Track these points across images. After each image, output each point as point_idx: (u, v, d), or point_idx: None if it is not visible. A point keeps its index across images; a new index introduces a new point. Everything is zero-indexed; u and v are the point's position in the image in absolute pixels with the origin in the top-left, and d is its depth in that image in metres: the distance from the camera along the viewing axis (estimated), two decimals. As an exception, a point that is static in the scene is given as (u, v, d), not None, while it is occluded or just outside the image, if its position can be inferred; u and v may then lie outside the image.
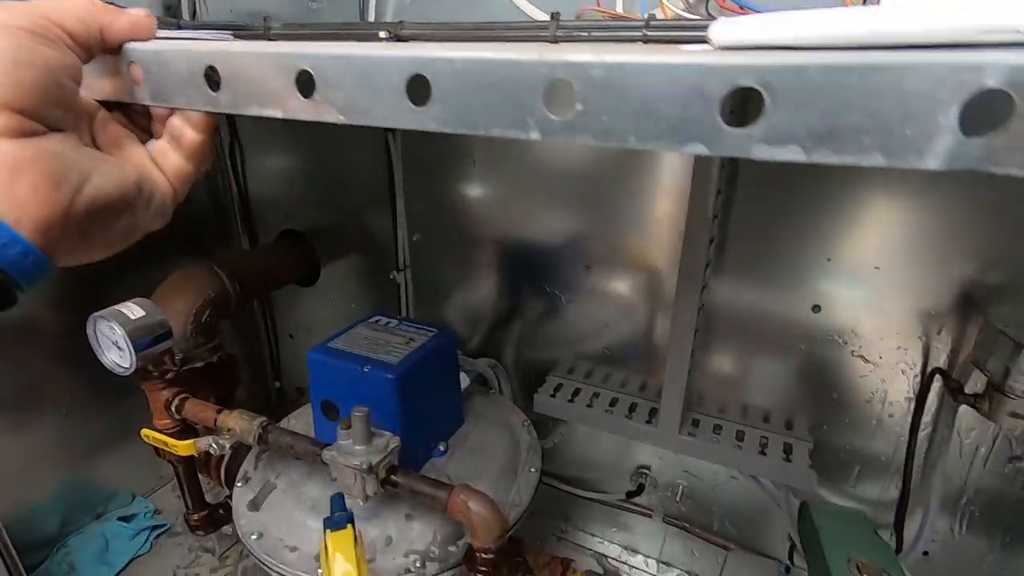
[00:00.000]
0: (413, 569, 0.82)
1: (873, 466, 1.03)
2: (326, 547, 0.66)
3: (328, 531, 0.66)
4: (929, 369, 0.90)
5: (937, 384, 0.90)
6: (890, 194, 0.87)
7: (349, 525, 0.67)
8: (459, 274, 1.31)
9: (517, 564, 0.96)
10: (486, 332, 1.33)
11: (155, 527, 1.36)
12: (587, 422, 1.18)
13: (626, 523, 1.36)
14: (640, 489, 1.25)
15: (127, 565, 1.28)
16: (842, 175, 0.88)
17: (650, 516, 1.27)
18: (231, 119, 1.46)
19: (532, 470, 1.03)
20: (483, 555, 0.75)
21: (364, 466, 0.77)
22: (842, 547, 0.71)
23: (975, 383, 0.82)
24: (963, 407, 0.90)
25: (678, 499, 1.23)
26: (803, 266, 0.96)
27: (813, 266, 0.95)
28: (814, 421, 1.05)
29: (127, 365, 0.90)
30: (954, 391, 0.82)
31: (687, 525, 1.25)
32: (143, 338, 0.90)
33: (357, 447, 0.80)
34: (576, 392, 1.21)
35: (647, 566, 1.34)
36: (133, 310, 0.91)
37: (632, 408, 1.15)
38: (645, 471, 1.27)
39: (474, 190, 1.21)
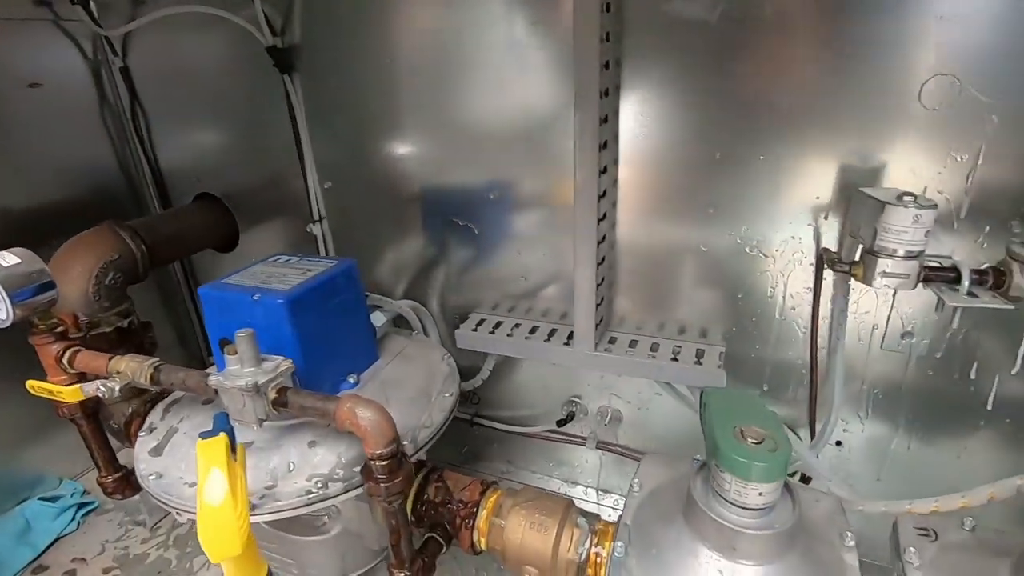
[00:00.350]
0: (315, 490, 0.81)
1: (783, 363, 1.04)
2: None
3: (200, 440, 0.65)
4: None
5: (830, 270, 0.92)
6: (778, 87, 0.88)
7: (223, 434, 0.66)
8: (376, 220, 1.29)
9: (428, 476, 0.95)
10: (410, 277, 1.32)
11: (82, 505, 1.31)
12: (508, 351, 1.18)
13: (565, 457, 1.37)
14: (571, 417, 1.26)
15: (51, 544, 1.24)
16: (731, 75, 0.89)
17: (583, 444, 1.28)
18: (130, 83, 1.41)
19: (447, 395, 1.02)
20: (377, 462, 0.74)
21: (250, 386, 0.75)
22: (730, 419, 0.72)
23: (853, 254, 0.84)
24: (857, 293, 0.93)
25: (606, 423, 1.23)
26: (697, 167, 0.96)
27: (706, 166, 0.96)
28: (726, 326, 1.07)
29: (3, 317, 0.86)
30: (832, 261, 0.84)
31: (620, 448, 1.26)
32: (21, 288, 0.86)
33: (245, 369, 0.78)
34: (498, 325, 1.20)
35: (587, 495, 1.35)
36: (6, 258, 0.87)
37: (551, 334, 1.16)
38: (575, 399, 1.27)
39: (382, 134, 1.19)
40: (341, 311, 0.96)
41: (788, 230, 0.95)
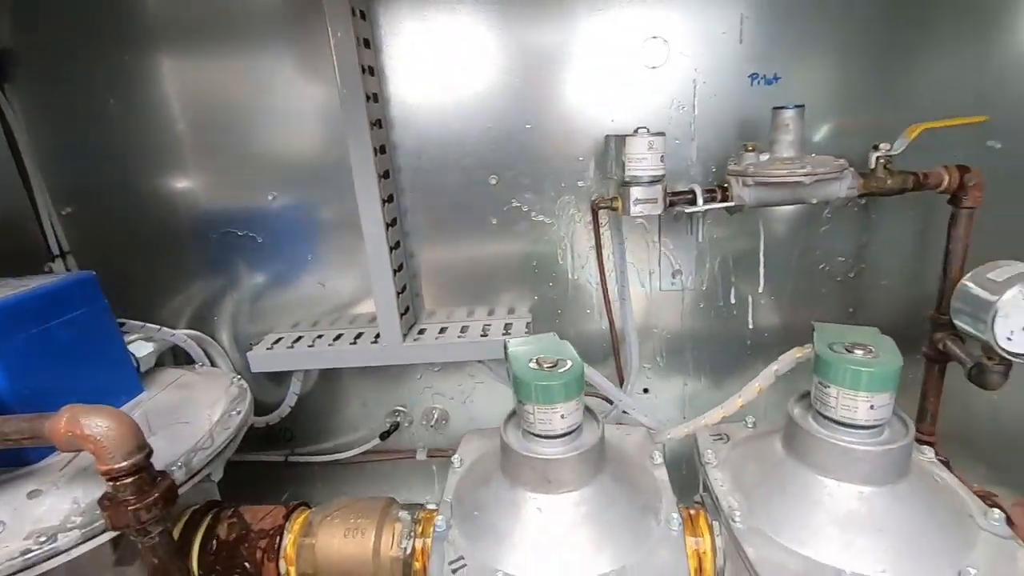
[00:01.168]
0: (36, 548, 0.61)
1: (586, 320, 1.09)
2: None
3: None
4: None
5: (605, 219, 1.00)
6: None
7: None
8: (142, 248, 1.10)
9: (219, 514, 0.79)
10: (194, 308, 1.14)
11: None
12: (310, 363, 1.07)
13: (400, 476, 1.26)
14: (395, 427, 1.17)
15: None
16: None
17: (414, 457, 1.19)
18: None
19: (235, 414, 0.87)
20: (119, 481, 0.59)
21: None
22: (528, 356, 0.72)
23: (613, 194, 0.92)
24: (632, 243, 1.02)
25: (433, 423, 1.17)
26: (469, 135, 1.00)
27: (479, 134, 0.99)
28: (530, 298, 1.09)
29: None
30: (597, 203, 0.91)
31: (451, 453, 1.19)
32: None
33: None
34: (298, 340, 1.09)
35: (427, 514, 1.25)
36: None
37: (358, 337, 1.08)
38: (399, 409, 1.19)
39: (144, 152, 1.04)
40: (75, 332, 0.78)
41: (563, 191, 1.01)
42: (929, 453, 0.78)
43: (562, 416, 0.68)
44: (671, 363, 1.11)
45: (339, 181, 0.99)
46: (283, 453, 1.21)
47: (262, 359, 1.05)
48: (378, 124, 0.95)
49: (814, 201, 0.82)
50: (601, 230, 1.00)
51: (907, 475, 0.67)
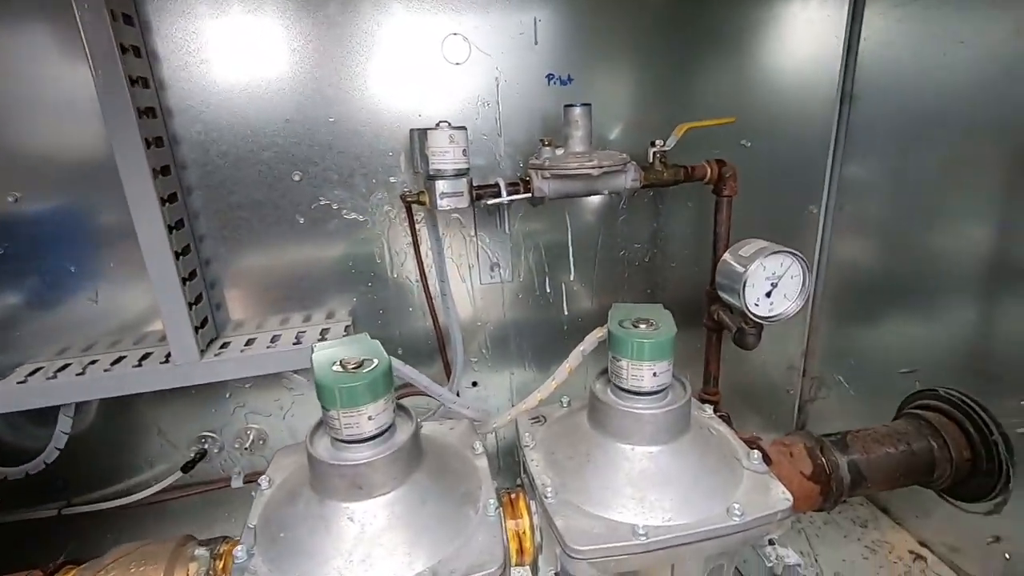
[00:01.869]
0: None
1: (410, 319, 1.07)
2: None
3: None
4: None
5: (421, 215, 0.98)
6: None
7: None
8: None
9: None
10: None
11: None
12: (78, 395, 0.90)
13: (212, 508, 1.12)
14: (201, 455, 1.04)
15: None
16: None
17: (228, 486, 1.07)
18: None
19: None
20: None
21: None
22: (331, 360, 0.68)
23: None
24: (449, 238, 1.02)
25: (247, 446, 1.06)
26: (268, 127, 0.92)
27: (278, 126, 0.92)
28: (348, 300, 1.04)
29: None
30: (405, 198, 0.90)
31: (274, 473, 1.09)
32: None
33: None
34: (63, 368, 0.91)
35: (250, 546, 1.13)
36: None
37: (145, 358, 0.93)
38: (207, 435, 1.06)
39: None
40: None
41: (375, 187, 0.98)
42: (709, 410, 0.89)
43: (370, 418, 0.65)
44: (497, 354, 1.14)
45: (111, 180, 0.85)
46: (56, 506, 1.01)
47: (9, 396, 0.86)
48: (150, 113, 0.83)
49: (606, 192, 0.90)
50: (417, 226, 0.99)
51: (688, 431, 0.75)
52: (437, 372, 1.09)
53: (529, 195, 0.87)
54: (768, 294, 0.81)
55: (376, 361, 0.67)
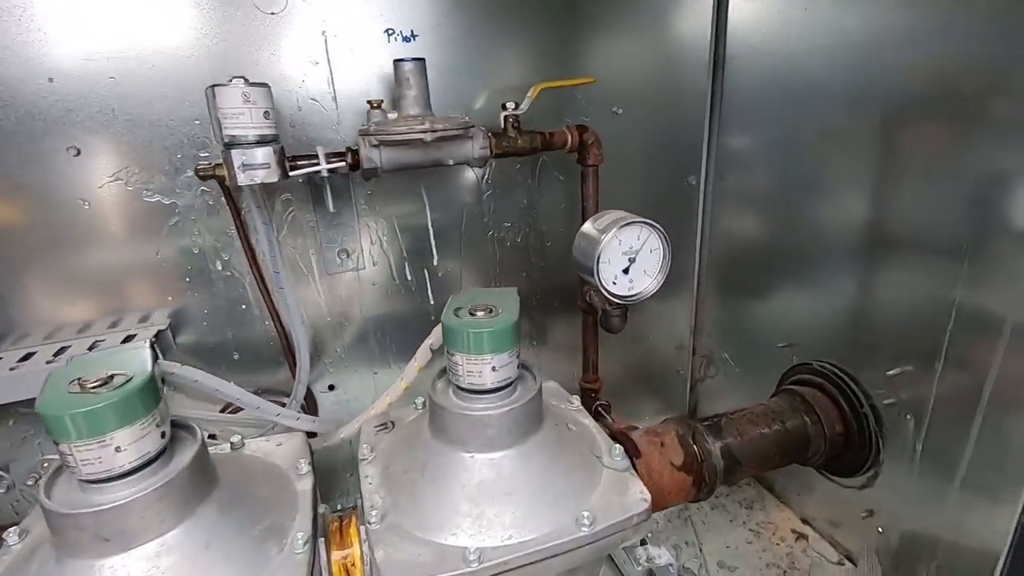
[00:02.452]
0: None
1: (243, 319, 0.92)
2: None
3: None
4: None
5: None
6: None
7: None
8: None
9: None
10: None
11: None
12: None
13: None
14: (-20, 500, 0.85)
15: None
16: None
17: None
18: None
19: None
20: None
21: None
22: (69, 378, 0.54)
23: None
24: (283, 227, 0.87)
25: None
26: (23, 90, 0.74)
27: (37, 87, 0.74)
28: (164, 301, 0.87)
29: None
30: (200, 173, 0.74)
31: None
32: None
33: None
34: None
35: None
36: None
37: None
38: (-8, 473, 0.86)
39: None
40: None
41: (181, 163, 0.82)
42: (576, 401, 0.80)
43: (118, 449, 0.51)
44: (356, 353, 1.01)
45: None
46: None
47: None
48: None
49: (450, 163, 0.79)
50: (243, 210, 0.84)
51: (539, 430, 0.66)
52: (285, 379, 0.95)
53: (356, 166, 0.75)
54: (626, 270, 0.73)
55: (128, 376, 0.53)
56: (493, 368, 0.62)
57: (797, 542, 0.96)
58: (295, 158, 0.73)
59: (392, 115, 0.75)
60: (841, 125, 0.85)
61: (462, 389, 0.65)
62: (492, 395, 0.64)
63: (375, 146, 0.73)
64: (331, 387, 1.01)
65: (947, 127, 0.71)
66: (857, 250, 0.85)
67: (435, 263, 1.00)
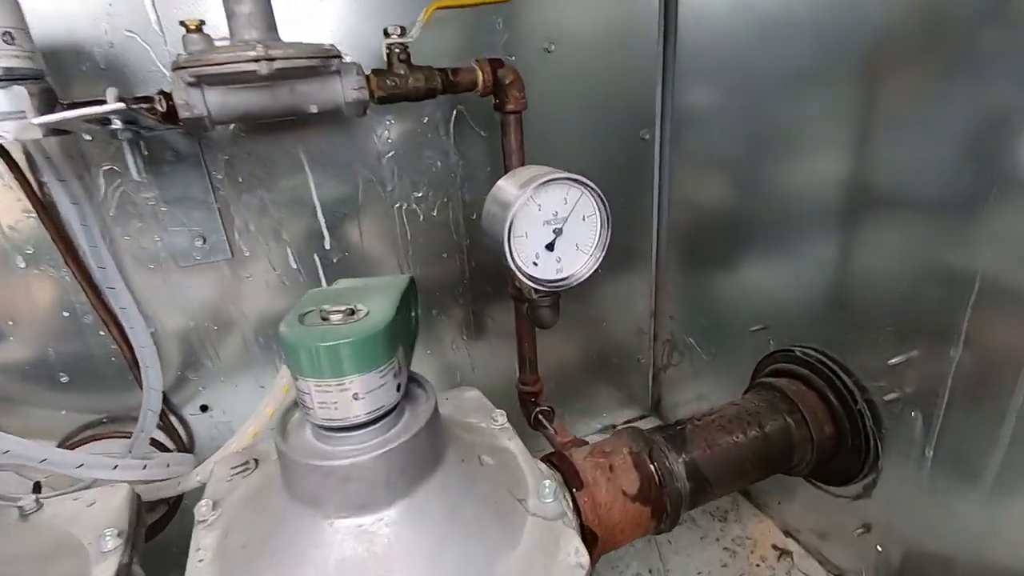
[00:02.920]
0: None
1: (66, 329, 0.71)
2: None
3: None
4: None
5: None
6: None
7: None
8: None
9: None
10: None
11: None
12: None
13: None
14: None
15: None
16: None
17: None
18: None
19: None
20: None
21: None
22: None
23: None
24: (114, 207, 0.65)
25: None
26: None
27: None
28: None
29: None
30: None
31: None
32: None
33: None
34: None
35: None
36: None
37: None
38: None
39: None
40: None
41: None
42: (501, 418, 0.62)
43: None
44: (234, 363, 0.80)
45: None
46: None
47: None
48: None
49: (313, 109, 0.58)
50: (43, 183, 0.62)
51: (433, 475, 0.48)
52: (138, 401, 0.74)
53: (171, 115, 0.53)
54: (550, 246, 0.54)
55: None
56: (356, 396, 0.43)
57: (780, 561, 0.81)
58: (76, 104, 0.51)
59: (223, 42, 0.54)
60: (814, 67, 0.67)
61: (315, 425, 0.46)
62: (358, 433, 0.45)
63: (193, 85, 0.52)
64: (204, 408, 0.80)
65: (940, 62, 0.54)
66: (842, 213, 0.68)
67: (327, 247, 0.79)
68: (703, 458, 0.65)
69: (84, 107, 0.49)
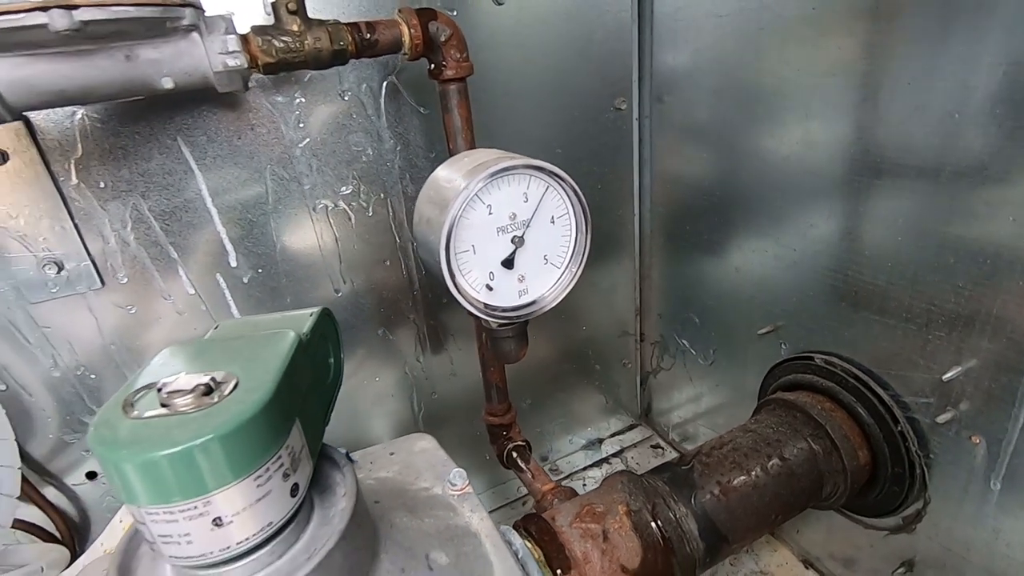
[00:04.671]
0: None
1: None
2: None
3: None
4: None
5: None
6: None
7: None
8: None
9: None
10: None
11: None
12: None
13: None
14: None
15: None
16: None
17: None
18: None
19: None
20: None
21: None
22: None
23: None
24: None
25: None
26: None
27: None
28: None
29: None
30: None
31: None
32: None
33: None
34: None
35: None
36: None
37: None
38: None
39: None
40: None
41: None
42: (460, 480, 0.47)
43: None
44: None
45: None
46: None
47: None
48: None
49: (167, 84, 0.41)
50: None
51: (356, 603, 0.33)
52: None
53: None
54: (508, 262, 0.39)
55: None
56: (218, 522, 0.28)
57: (802, 600, 0.69)
58: None
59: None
60: (819, 16, 0.53)
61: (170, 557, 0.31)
62: (232, 568, 0.30)
63: (-36, 52, 0.35)
64: (91, 475, 0.64)
65: None
66: (861, 185, 0.54)
67: (232, 263, 0.63)
68: (717, 508, 0.52)
69: None
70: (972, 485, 0.52)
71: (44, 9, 0.32)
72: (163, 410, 0.29)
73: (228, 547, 0.29)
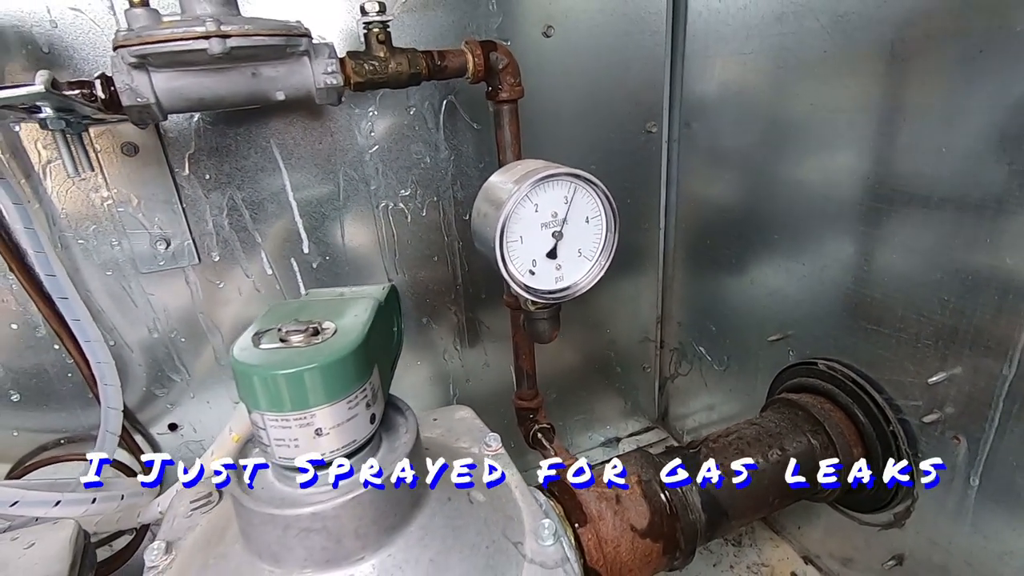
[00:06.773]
0: None
1: (12, 338, 0.64)
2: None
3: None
4: None
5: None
6: None
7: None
8: None
9: None
10: None
11: None
12: None
13: None
14: None
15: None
16: None
17: None
18: None
19: None
20: None
21: None
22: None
23: None
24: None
25: None
26: None
27: None
28: None
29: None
30: None
31: None
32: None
33: None
34: None
35: None
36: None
37: None
38: None
39: None
40: None
41: None
42: (495, 443, 0.55)
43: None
44: (204, 378, 0.74)
45: None
46: None
47: None
48: None
49: (280, 96, 0.51)
50: (-21, 182, 0.55)
51: (412, 519, 0.41)
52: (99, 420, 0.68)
53: (114, 102, 0.46)
54: (551, 253, 0.48)
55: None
56: (319, 431, 0.36)
57: (800, 591, 0.74)
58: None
59: (173, 17, 0.47)
60: (838, 53, 0.60)
61: (274, 465, 0.39)
62: (324, 473, 0.38)
63: (137, 67, 0.45)
64: (172, 426, 0.74)
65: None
66: (868, 210, 0.61)
67: (305, 250, 0.73)
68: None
69: (14, 95, 0.42)
70: (954, 482, 0.57)
71: (207, 38, 0.42)
72: (282, 344, 0.37)
73: (331, 452, 0.37)
